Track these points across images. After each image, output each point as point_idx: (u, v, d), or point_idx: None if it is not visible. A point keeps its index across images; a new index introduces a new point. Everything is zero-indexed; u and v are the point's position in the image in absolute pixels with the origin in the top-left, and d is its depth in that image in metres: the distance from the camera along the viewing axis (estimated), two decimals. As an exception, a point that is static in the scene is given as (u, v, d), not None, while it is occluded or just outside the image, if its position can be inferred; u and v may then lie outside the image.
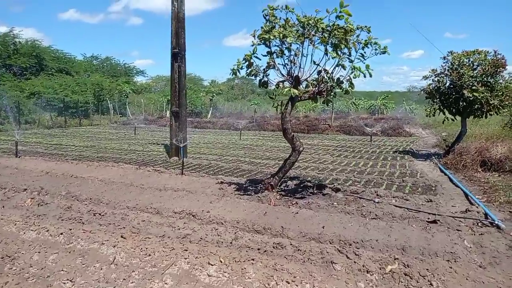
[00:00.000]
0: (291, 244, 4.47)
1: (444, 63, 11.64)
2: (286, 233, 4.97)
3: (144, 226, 5.13)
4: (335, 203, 6.47)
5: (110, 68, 47.54)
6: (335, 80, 6.63)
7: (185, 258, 4.04)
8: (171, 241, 4.58)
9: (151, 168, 9.38)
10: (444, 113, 11.80)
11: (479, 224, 5.52)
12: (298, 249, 4.35)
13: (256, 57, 6.56)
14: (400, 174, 9.10)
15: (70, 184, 7.54)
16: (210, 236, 4.74)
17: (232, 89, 67.59)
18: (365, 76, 6.21)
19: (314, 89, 6.55)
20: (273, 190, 6.83)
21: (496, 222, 5.43)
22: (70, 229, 4.87)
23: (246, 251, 4.32)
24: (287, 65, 6.55)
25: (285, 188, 7.65)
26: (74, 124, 25.56)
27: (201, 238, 4.66)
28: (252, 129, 24.03)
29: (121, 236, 4.70)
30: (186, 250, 4.27)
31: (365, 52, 6.44)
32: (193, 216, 5.60)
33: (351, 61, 6.37)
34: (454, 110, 11.45)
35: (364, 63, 6.30)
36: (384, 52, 6.46)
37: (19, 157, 10.94)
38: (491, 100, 10.46)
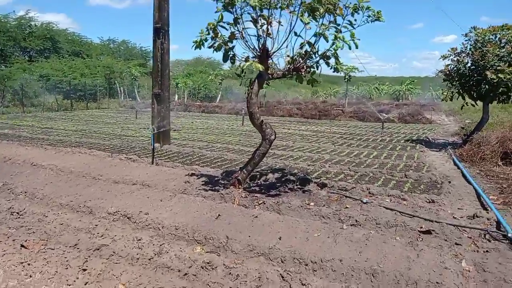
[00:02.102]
0: (224, 265, 3.40)
1: (465, 40, 10.11)
2: (230, 245, 3.91)
3: (59, 232, 4.18)
4: (311, 204, 5.34)
5: (126, 52, 47.01)
6: (320, 55, 5.42)
7: (70, 285, 3.05)
8: (77, 254, 3.60)
9: (124, 156, 8.44)
10: (463, 98, 10.32)
11: (487, 236, 4.30)
12: (230, 273, 3.28)
13: (222, 27, 5.41)
14: (404, 167, 7.82)
15: (20, 173, 6.69)
16: (128, 249, 3.73)
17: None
18: (350, 48, 4.99)
19: (289, 66, 5.37)
20: (240, 186, 5.75)
21: (509, 234, 4.20)
22: (-35, 234, 3.97)
23: (162, 273, 3.30)
24: (261, 37, 5.37)
25: (263, 182, 6.58)
26: (81, 108, 25.05)
27: (114, 252, 3.65)
28: (261, 114, 22.83)
29: (21, 245, 3.76)
30: (85, 270, 3.28)
31: (355, 20, 5.19)
32: (128, 218, 4.60)
33: (339, 31, 5.15)
34: (475, 94, 9.95)
35: (351, 31, 5.07)
36: (378, 19, 5.19)
37: (-7, 141, 10.27)
38: (519, 83, 8.93)
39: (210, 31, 5.38)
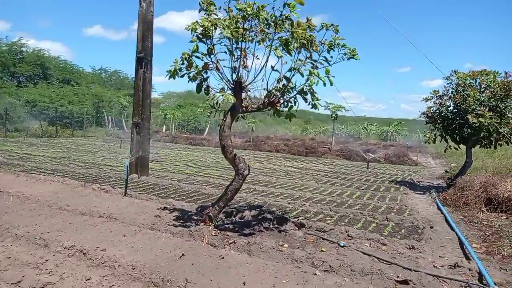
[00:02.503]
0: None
1: (447, 84, 10.22)
2: (189, 289, 3.58)
3: (3, 266, 3.80)
4: (285, 245, 5.04)
5: (118, 81, 47.24)
6: (297, 89, 5.30)
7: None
8: (15, 294, 3.23)
9: (97, 186, 8.10)
10: (446, 141, 10.29)
11: (467, 288, 4.03)
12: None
13: (197, 57, 5.29)
14: (386, 209, 7.59)
15: (-20, 201, 6.31)
16: (74, 290, 3.38)
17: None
18: (325, 85, 4.87)
19: (265, 99, 5.23)
20: (211, 223, 5.43)
21: (491, 288, 3.94)
22: None
23: (105, 320, 2.95)
24: (236, 68, 5.24)
25: (238, 219, 6.28)
26: (66, 135, 24.65)
27: (57, 293, 3.30)
28: (248, 149, 22.73)
29: (-44, 282, 3.39)
30: (18, 313, 2.91)
31: (331, 57, 5.14)
32: (83, 254, 4.25)
33: (315, 67, 5.06)
34: (458, 137, 9.93)
35: (326, 68, 4.99)
36: (353, 57, 5.14)
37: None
38: (500, 128, 8.93)
39: (185, 61, 5.24)
